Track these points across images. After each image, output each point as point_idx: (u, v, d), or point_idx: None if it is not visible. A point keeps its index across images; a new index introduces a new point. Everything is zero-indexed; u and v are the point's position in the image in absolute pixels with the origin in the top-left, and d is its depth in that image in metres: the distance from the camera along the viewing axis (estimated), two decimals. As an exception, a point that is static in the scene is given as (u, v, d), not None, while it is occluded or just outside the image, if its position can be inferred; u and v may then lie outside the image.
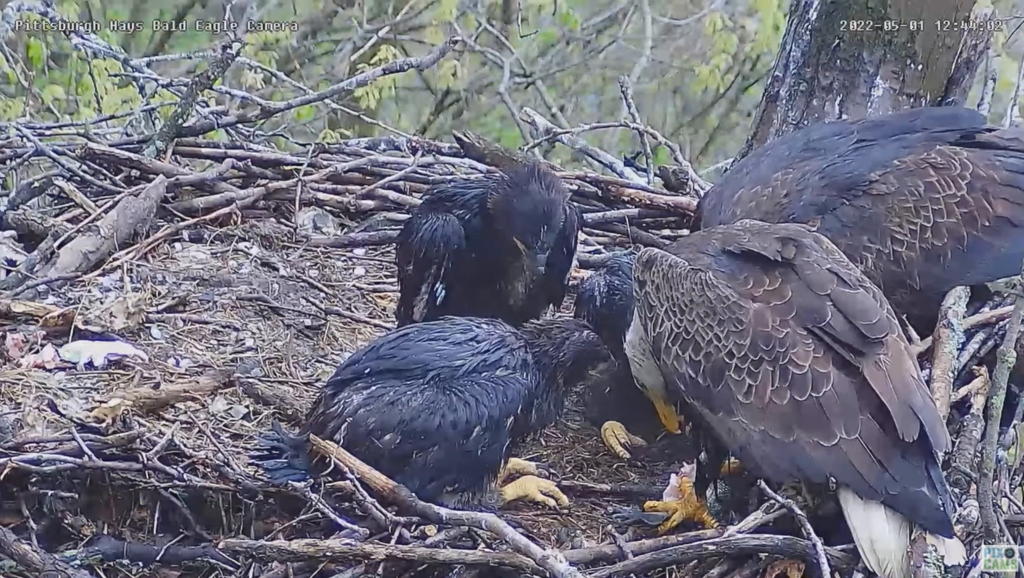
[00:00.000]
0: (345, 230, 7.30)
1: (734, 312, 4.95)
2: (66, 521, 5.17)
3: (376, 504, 5.04)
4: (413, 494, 5.08)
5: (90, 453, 5.14)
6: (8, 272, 6.52)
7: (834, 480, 4.87)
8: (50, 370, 5.81)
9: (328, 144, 7.96)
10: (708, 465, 5.18)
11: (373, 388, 5.24)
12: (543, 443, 5.83)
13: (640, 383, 5.44)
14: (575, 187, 7.23)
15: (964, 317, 5.67)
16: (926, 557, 4.75)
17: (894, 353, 4.93)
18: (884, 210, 5.71)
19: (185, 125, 7.60)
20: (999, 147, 5.91)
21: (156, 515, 5.20)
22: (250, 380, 5.90)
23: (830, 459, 4.82)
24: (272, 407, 5.79)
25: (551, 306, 6.14)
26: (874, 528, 4.82)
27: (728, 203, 5.89)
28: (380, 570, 4.90)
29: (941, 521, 4.78)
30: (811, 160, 5.90)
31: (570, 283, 6.10)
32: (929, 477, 4.82)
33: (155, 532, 5.20)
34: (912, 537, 4.80)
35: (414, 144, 7.86)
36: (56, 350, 5.90)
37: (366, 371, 5.29)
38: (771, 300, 4.95)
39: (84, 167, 7.33)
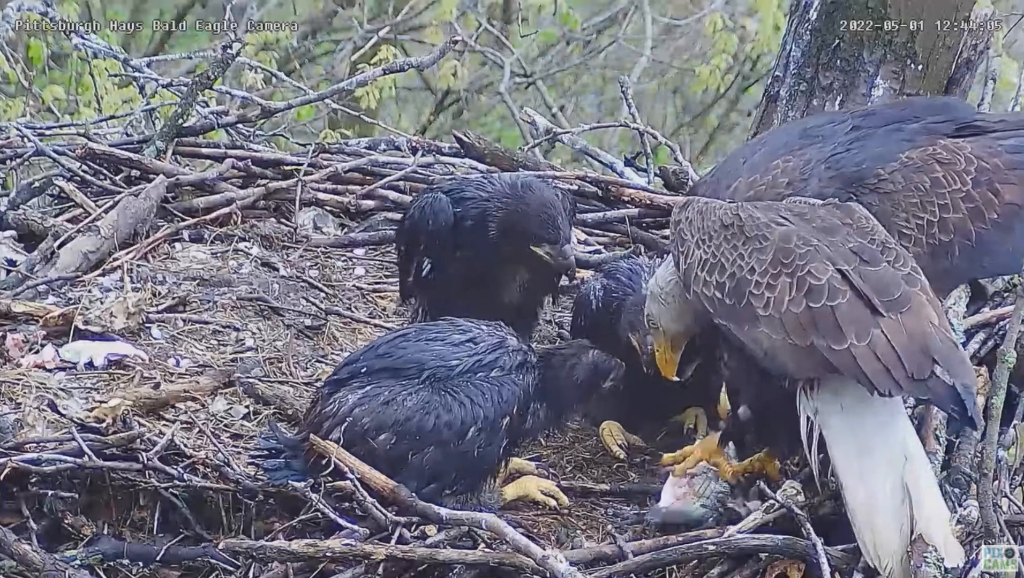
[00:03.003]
0: (345, 230, 7.29)
1: (761, 230, 5.02)
2: (66, 521, 5.17)
3: (376, 504, 5.04)
4: (413, 494, 5.08)
5: (90, 453, 5.13)
6: (8, 272, 6.51)
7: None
8: (50, 370, 5.81)
9: (328, 144, 7.94)
10: (737, 428, 5.27)
11: (368, 388, 5.23)
12: (543, 443, 5.82)
13: (653, 323, 5.44)
14: (575, 187, 7.23)
15: (964, 317, 5.66)
16: (926, 557, 4.75)
17: (915, 306, 4.89)
18: (890, 206, 5.67)
19: (185, 125, 7.59)
20: (991, 130, 5.85)
21: (156, 515, 5.20)
22: (250, 380, 5.89)
23: (841, 362, 4.82)
24: (272, 407, 5.79)
25: (547, 301, 6.16)
26: (876, 525, 4.81)
27: (724, 194, 5.84)
28: (380, 570, 4.89)
29: (962, 412, 4.74)
30: (809, 148, 5.85)
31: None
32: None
33: (155, 532, 5.20)
34: (912, 537, 4.80)
35: (414, 144, 7.85)
36: (56, 350, 5.89)
37: (362, 370, 5.28)
38: (801, 225, 5.03)
39: (84, 167, 7.32)
